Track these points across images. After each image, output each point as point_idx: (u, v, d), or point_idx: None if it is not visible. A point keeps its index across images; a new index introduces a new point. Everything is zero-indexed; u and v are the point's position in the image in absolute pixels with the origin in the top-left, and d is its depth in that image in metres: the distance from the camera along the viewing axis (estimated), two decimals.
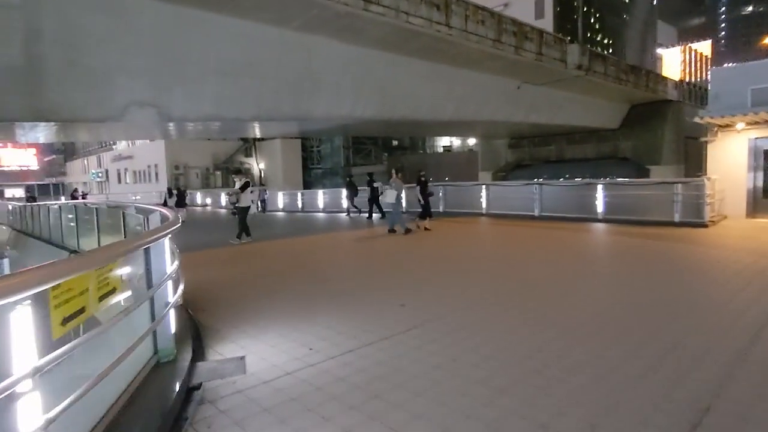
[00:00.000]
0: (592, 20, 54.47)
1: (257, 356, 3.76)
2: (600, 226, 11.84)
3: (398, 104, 17.27)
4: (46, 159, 72.50)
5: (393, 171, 12.30)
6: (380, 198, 10.89)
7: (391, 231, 11.36)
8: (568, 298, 5.18)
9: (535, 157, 34.92)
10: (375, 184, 15.77)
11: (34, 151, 75.12)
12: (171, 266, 3.60)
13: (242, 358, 3.74)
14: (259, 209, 20.59)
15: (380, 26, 13.39)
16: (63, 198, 39.86)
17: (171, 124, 16.61)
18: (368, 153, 48.34)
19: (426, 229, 11.68)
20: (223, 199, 30.04)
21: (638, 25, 63.37)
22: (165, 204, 19.70)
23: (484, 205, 14.71)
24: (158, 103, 11.92)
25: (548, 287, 5.67)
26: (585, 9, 44.00)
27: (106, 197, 38.29)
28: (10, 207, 20.42)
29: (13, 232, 18.05)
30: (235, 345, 4.03)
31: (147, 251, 3.38)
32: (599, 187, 12.82)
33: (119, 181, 47.39)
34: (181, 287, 3.80)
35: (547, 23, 40.69)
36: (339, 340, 4.01)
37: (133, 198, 38.23)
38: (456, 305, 4.92)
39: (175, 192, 19.69)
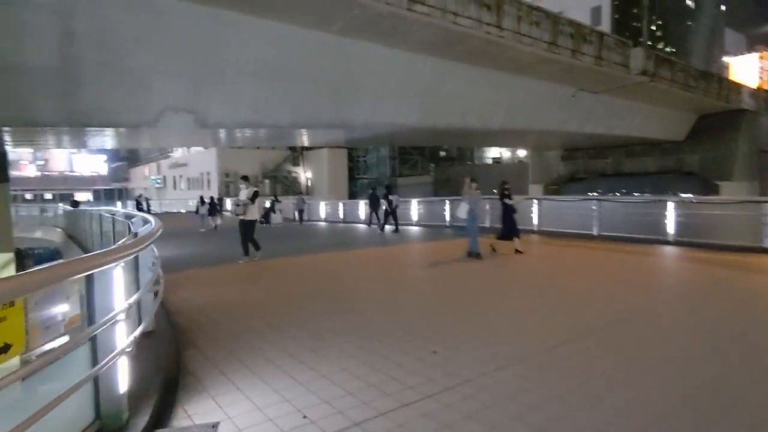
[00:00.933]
0: (653, 27, 51.19)
1: (235, 423, 2.79)
2: (671, 250, 10.17)
3: (444, 111, 16.18)
4: (112, 165, 76.63)
5: (467, 180, 9.41)
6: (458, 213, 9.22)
7: (474, 255, 8.86)
8: (677, 343, 3.90)
9: (590, 170, 32.67)
10: (390, 197, 15.78)
11: (104, 157, 79.72)
12: (126, 299, 2.70)
13: (215, 426, 2.79)
14: (297, 219, 19.70)
15: (425, 28, 12.40)
16: (119, 203, 41.37)
17: (222, 131, 16.29)
18: (414, 164, 47.38)
19: (517, 251, 9.31)
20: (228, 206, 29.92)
21: (704, 32, 59.09)
22: (197, 212, 19.55)
23: (535, 221, 13.27)
24: (194, 109, 11.45)
25: (644, 325, 4.41)
26: (643, 17, 41.23)
27: (159, 203, 39.30)
28: (61, 211, 20.97)
29: (65, 235, 18.40)
30: (214, 403, 3.08)
31: (90, 280, 2.50)
32: (670, 205, 11.15)
33: (175, 187, 48.86)
34: (140, 329, 2.88)
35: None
36: (344, 404, 2.98)
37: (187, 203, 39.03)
38: (518, 353, 3.77)
39: (207, 201, 19.33)
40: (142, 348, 3.83)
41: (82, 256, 2.60)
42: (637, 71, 18.51)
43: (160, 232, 3.63)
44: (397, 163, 45.15)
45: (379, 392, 3.15)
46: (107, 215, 8.77)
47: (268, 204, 20.54)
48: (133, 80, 10.43)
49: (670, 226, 10.90)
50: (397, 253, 10.78)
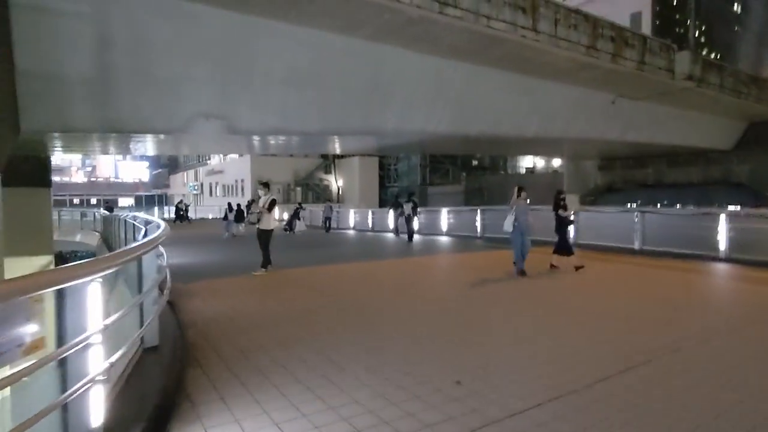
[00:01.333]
0: (697, 33, 48.97)
1: None
2: (723, 267, 9.27)
3: (476, 119, 15.65)
4: (154, 172, 79.40)
5: (515, 189, 8.51)
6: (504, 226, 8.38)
7: (519, 272, 8.08)
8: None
9: (629, 181, 31.23)
10: (405, 205, 15.97)
11: (147, 164, 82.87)
12: (101, 320, 2.36)
13: None
14: (324, 228, 19.30)
15: (457, 33, 11.98)
16: (155, 209, 42.56)
17: (255, 139, 16.14)
18: (446, 172, 46.74)
19: (577, 268, 8.47)
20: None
21: (752, 38, 56.12)
22: (225, 218, 19.60)
23: (571, 233, 12.51)
24: (224, 115, 11.39)
25: (701, 357, 3.81)
26: (690, 20, 39.43)
27: (195, 209, 40.17)
28: (98, 216, 21.56)
29: (101, 239, 18.84)
30: None
31: (61, 296, 2.19)
32: (722, 218, 10.23)
33: (211, 194, 49.92)
34: (119, 353, 2.56)
35: None
36: None
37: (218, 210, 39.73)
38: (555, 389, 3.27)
39: (235, 207, 19.27)
40: (143, 365, 3.55)
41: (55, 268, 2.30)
42: (682, 76, 17.45)
43: (157, 242, 3.34)
44: (428, 171, 44.63)
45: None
46: (130, 220, 8.70)
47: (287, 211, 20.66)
48: (165, 87, 10.45)
49: (722, 241, 10.00)
50: (425, 265, 10.30)
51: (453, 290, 7.26)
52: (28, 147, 13.84)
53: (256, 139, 16.54)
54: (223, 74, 11.05)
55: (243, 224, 18.63)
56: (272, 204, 8.70)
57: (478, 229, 15.21)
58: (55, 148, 16.13)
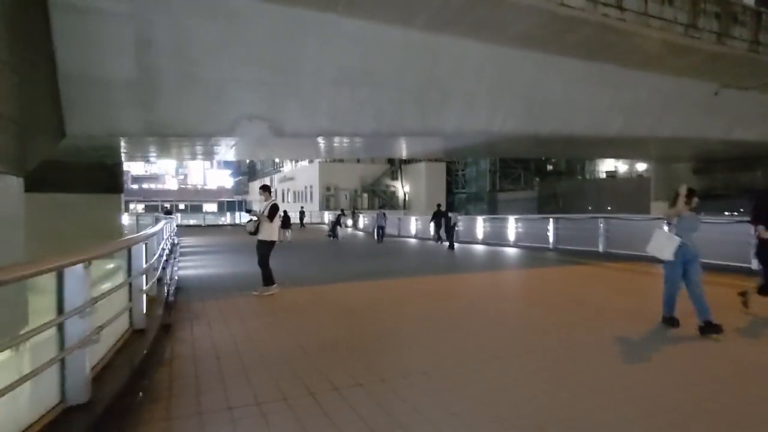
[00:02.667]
0: None
1: None
2: None
3: (547, 116, 13.74)
4: (235, 179, 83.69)
5: (676, 192, 5.01)
6: (649, 248, 4.90)
7: (668, 321, 4.99)
8: None
9: (732, 186, 26.92)
10: (450, 214, 15.95)
11: (229, 171, 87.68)
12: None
13: None
14: (375, 238, 17.93)
15: (525, 16, 10.35)
16: (227, 213, 43.98)
17: (321, 142, 15.32)
18: (517, 177, 43.98)
19: None
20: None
21: None
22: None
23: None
24: (269, 117, 10.65)
25: None
26: None
27: None
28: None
29: None
30: None
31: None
32: None
33: (283, 200, 51.07)
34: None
35: None
36: None
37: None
38: None
39: (281, 214, 18.61)
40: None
41: None
42: None
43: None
44: (497, 176, 42.19)
45: None
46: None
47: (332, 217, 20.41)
48: (208, 89, 9.89)
49: None
50: (487, 284, 8.74)
51: (528, 333, 4.90)
52: (97, 155, 14.14)
53: (322, 142, 15.71)
54: (270, 75, 10.31)
55: (290, 230, 18.61)
56: (273, 210, 7.01)
57: (551, 240, 13.26)
58: (123, 153, 16.49)
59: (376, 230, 18.61)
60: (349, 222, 31.03)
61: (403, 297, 6.80)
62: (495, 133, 13.44)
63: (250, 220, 7.11)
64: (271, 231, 7.00)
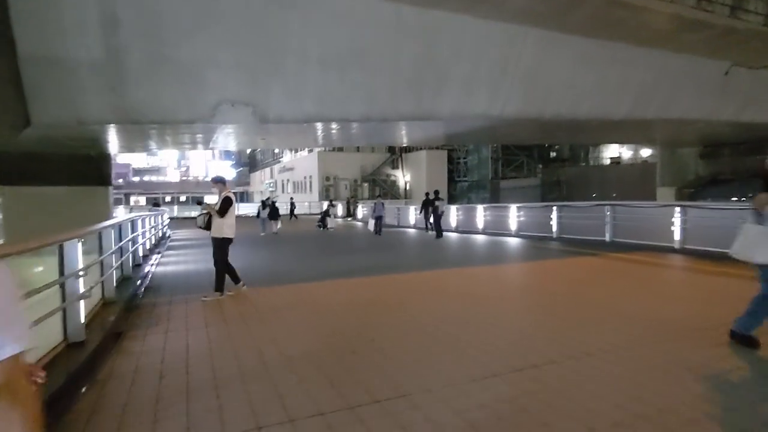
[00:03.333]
0: None
1: None
2: None
3: (551, 98, 12.94)
4: (237, 171, 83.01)
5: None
6: (736, 250, 3.53)
7: (745, 339, 3.67)
8: None
9: (740, 170, 25.96)
10: (437, 203, 15.14)
11: (230, 162, 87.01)
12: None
13: None
14: (373, 230, 16.85)
15: None
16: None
17: (319, 127, 14.49)
18: (520, 165, 43.03)
19: None
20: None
21: None
22: (258, 215, 18.52)
23: (677, 235, 9.52)
24: (252, 101, 9.92)
25: None
26: None
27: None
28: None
29: None
30: None
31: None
32: None
33: (283, 191, 50.36)
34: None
35: None
36: None
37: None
38: None
39: (269, 204, 18.31)
40: None
41: None
42: None
43: None
44: (500, 164, 41.25)
45: None
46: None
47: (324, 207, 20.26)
48: (184, 72, 9.16)
49: None
50: (489, 282, 8.03)
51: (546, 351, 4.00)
52: (77, 146, 13.45)
53: (319, 128, 14.82)
54: (251, 56, 9.56)
55: (279, 222, 18.37)
56: (225, 204, 6.04)
57: (554, 229, 12.52)
58: (111, 144, 15.78)
59: (373, 221, 16.83)
60: (339, 212, 30.41)
61: (392, 297, 6.10)
62: (495, 117, 12.66)
63: (201, 213, 6.25)
64: (223, 227, 6.08)
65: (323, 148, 40.50)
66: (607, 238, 11.10)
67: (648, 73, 13.87)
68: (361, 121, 11.36)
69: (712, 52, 13.91)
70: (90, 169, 15.30)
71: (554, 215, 12.54)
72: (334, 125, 13.51)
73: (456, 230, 16.90)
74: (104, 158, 15.79)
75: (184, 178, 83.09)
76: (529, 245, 11.75)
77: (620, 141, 32.97)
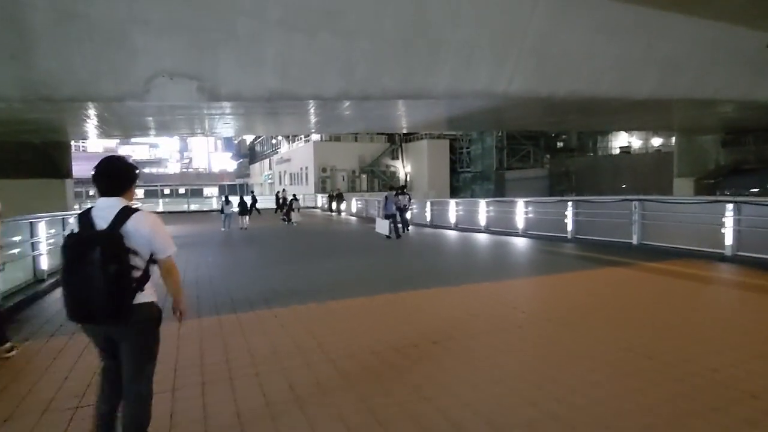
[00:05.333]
0: None
1: None
2: None
3: (564, 73, 10.82)
4: (237, 162, 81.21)
5: None
6: None
7: None
8: None
9: (765, 159, 23.70)
10: (401, 197, 13.68)
11: (230, 154, 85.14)
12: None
13: None
14: (388, 232, 13.99)
15: None
16: (225, 197, 41.29)
17: (311, 110, 12.27)
18: (526, 155, 40.71)
19: None
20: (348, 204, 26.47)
21: None
22: (222, 211, 16.63)
23: (728, 240, 7.43)
24: (198, 74, 7.92)
25: None
26: None
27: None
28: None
29: None
30: None
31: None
32: None
33: (280, 182, 48.45)
34: None
35: None
36: None
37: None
38: None
39: (238, 199, 17.30)
40: None
41: None
42: None
43: None
44: (505, 154, 38.94)
45: None
46: None
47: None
48: (103, 34, 7.15)
49: None
50: (503, 309, 6.02)
51: None
52: (17, 131, 11.53)
53: (311, 109, 12.50)
54: (192, 15, 7.53)
55: (248, 217, 17.34)
56: None
57: (569, 229, 10.47)
58: (59, 131, 13.82)
59: (387, 222, 12.62)
60: (320, 204, 28.39)
61: (342, 339, 4.12)
62: (499, 95, 10.56)
63: None
64: None
65: (319, 138, 38.47)
66: (635, 240, 9.04)
67: (678, 45, 11.67)
68: (338, 99, 9.32)
69: (753, 17, 11.66)
70: (38, 161, 13.39)
71: (570, 212, 10.47)
72: (312, 105, 11.49)
73: (456, 227, 14.86)
74: (58, 147, 13.87)
75: (184, 170, 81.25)
76: (539, 249, 9.71)
77: (637, 127, 30.63)
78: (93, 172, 2.01)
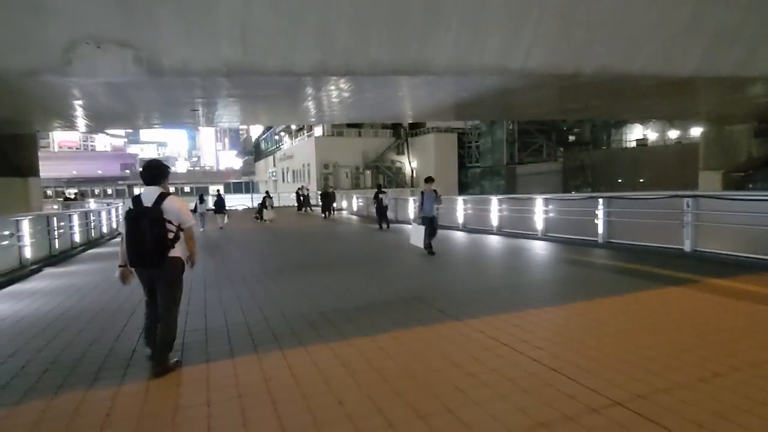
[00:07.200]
0: None
1: None
2: None
3: (592, 45, 8.93)
4: (243, 160, 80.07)
5: None
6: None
7: None
8: None
9: None
10: (381, 195, 14.58)
11: (235, 152, 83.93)
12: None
13: None
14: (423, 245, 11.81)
15: None
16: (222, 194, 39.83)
17: (309, 92, 10.28)
18: (538, 149, 38.63)
19: None
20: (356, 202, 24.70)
21: None
22: (194, 210, 15.03)
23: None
24: (133, 41, 6.20)
25: None
26: None
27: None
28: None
29: None
30: None
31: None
32: None
33: (283, 180, 46.94)
34: None
35: None
36: None
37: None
38: None
39: (215, 197, 17.06)
40: None
41: None
42: None
43: None
44: (515, 148, 36.90)
45: None
46: None
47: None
48: None
49: None
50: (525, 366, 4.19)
51: None
52: None
53: (310, 94, 10.34)
54: None
55: (226, 216, 16.59)
56: None
57: (600, 231, 8.59)
58: (35, 126, 12.29)
59: (422, 229, 8.52)
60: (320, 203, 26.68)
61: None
62: (515, 71, 8.69)
63: None
64: None
65: (322, 133, 36.79)
66: (687, 247, 7.16)
67: (729, 13, 9.71)
68: (314, 73, 7.52)
69: None
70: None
71: (601, 211, 8.58)
72: (293, 86, 9.73)
73: (464, 228, 13.03)
74: (16, 141, 12.30)
75: (191, 168, 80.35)
76: (565, 257, 7.83)
77: (662, 115, 28.29)
78: (140, 170, 3.24)
